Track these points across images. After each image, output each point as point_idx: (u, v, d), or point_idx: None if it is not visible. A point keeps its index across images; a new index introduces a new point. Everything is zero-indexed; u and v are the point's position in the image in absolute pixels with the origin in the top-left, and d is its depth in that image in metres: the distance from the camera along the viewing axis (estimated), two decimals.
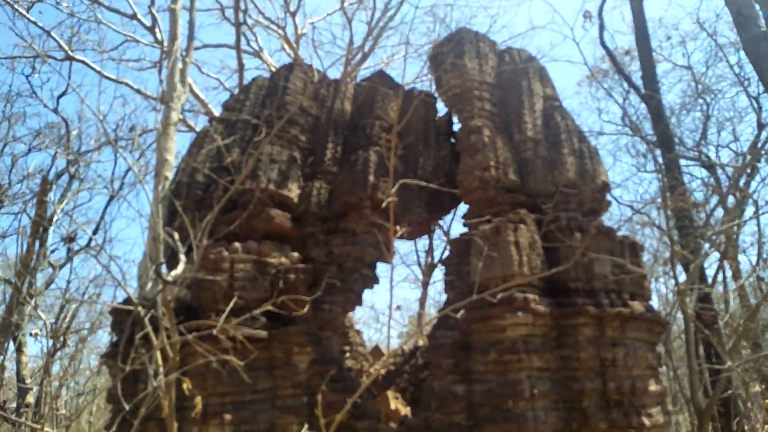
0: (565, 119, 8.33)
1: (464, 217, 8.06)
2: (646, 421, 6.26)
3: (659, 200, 10.78)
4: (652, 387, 6.67)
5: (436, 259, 20.99)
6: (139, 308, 5.04)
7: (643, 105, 13.89)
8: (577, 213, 7.34)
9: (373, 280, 7.84)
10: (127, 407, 4.32)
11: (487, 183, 7.71)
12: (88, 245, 17.06)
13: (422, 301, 20.34)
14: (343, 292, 7.43)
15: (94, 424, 16.21)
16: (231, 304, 4.58)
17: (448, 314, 7.15)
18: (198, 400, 4.49)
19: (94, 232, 16.15)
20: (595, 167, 7.91)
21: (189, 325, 5.82)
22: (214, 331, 3.86)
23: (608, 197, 8.17)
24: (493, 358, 6.44)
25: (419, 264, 21.25)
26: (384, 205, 3.35)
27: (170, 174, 8.14)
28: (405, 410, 8.88)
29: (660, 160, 11.44)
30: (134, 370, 7.08)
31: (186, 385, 4.32)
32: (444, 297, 8.19)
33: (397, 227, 3.67)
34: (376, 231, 7.92)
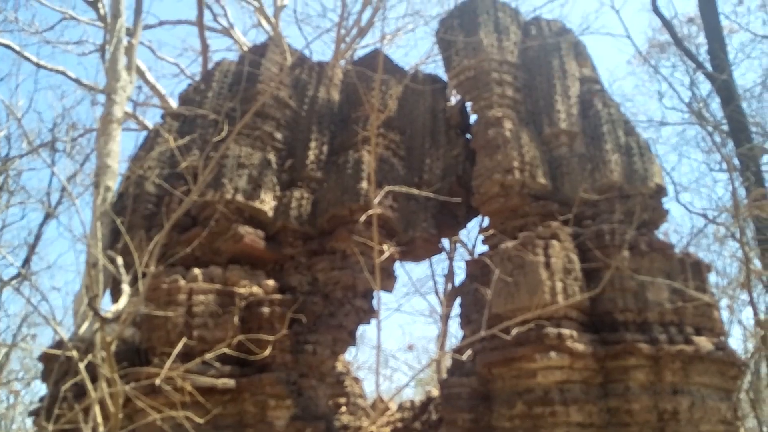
0: (607, 107, 8.35)
1: (482, 231, 8.07)
2: None
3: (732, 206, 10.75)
4: None
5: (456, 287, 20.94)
6: (73, 353, 5.07)
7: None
8: (625, 225, 7.32)
9: (369, 314, 7.85)
10: None
11: (509, 189, 7.72)
12: (17, 276, 17.17)
13: (441, 339, 20.27)
14: (332, 330, 7.43)
15: None
16: (179, 345, 4.59)
17: (463, 358, 7.14)
18: None
19: (25, 261, 16.27)
20: (647, 166, 7.91)
21: (135, 372, 5.86)
22: (158, 381, 3.87)
23: (668, 203, 8.17)
24: (521, 411, 6.40)
25: (437, 293, 21.24)
26: (363, 218, 3.36)
27: (113, 184, 8.23)
28: None
29: (731, 155, 11.42)
30: (70, 431, 7.10)
31: None
32: (461, 334, 8.18)
33: (384, 246, 3.66)
34: (368, 252, 7.94)
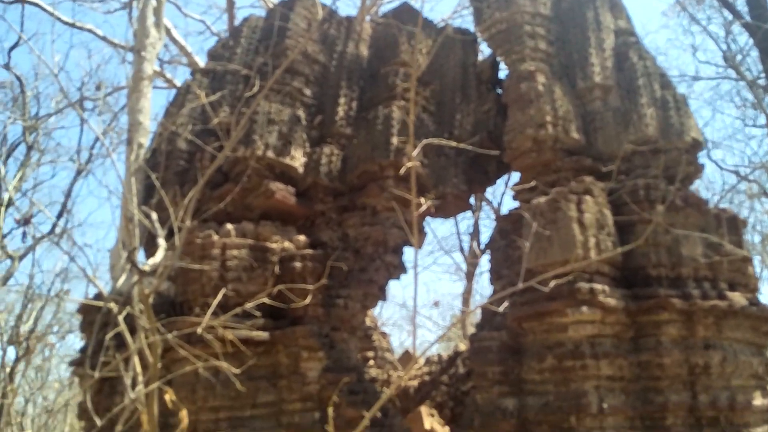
0: (643, 59, 8.16)
1: (514, 187, 8.02)
2: None
3: None
4: (758, 401, 6.61)
5: (483, 244, 20.98)
6: (112, 305, 5.20)
7: (751, 40, 13.46)
8: (660, 180, 7.22)
9: (399, 269, 7.90)
10: (99, 423, 4.47)
11: (542, 144, 7.63)
12: (51, 231, 17.55)
13: (466, 296, 20.40)
14: (362, 284, 7.51)
15: None
16: (219, 297, 4.67)
17: (494, 312, 7.18)
18: (183, 414, 4.62)
19: (59, 215, 16.58)
20: (683, 120, 7.74)
21: (172, 324, 5.99)
22: (199, 330, 3.96)
23: (701, 159, 8.01)
24: (551, 364, 6.45)
25: (461, 250, 21.26)
26: (403, 170, 3.35)
27: (146, 140, 8.30)
28: (443, 430, 9.00)
29: None
30: (109, 379, 7.34)
31: (169, 397, 4.46)
32: (491, 289, 8.21)
33: (422, 200, 3.66)
34: (402, 207, 7.94)
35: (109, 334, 5.43)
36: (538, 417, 6.43)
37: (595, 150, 7.78)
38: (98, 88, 14.56)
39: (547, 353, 6.50)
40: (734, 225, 7.23)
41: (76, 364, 7.51)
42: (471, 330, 18.16)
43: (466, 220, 19.73)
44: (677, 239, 6.76)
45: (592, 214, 6.74)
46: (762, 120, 16.12)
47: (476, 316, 22.99)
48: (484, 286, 28.89)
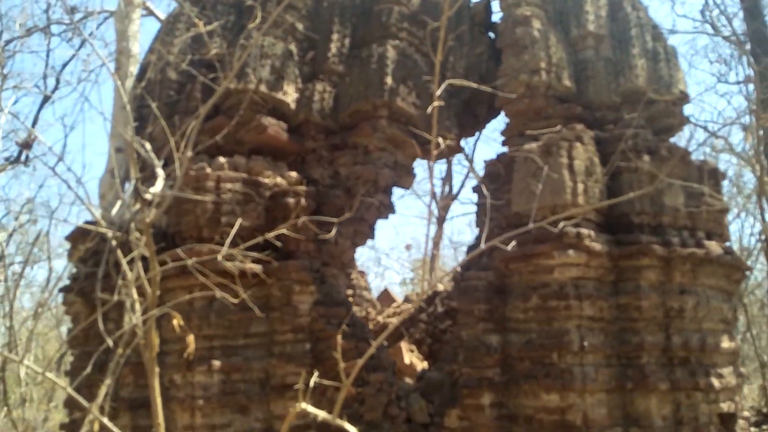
0: (636, 10, 8.22)
1: (504, 132, 8.11)
2: (716, 382, 6.61)
3: (745, 118, 10.78)
4: (725, 344, 7.00)
5: (455, 189, 21.22)
6: (109, 232, 5.20)
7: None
8: (647, 130, 7.39)
9: (388, 209, 7.99)
10: (111, 343, 4.53)
11: (535, 90, 7.70)
12: (17, 159, 17.07)
13: (436, 240, 20.70)
14: (353, 222, 7.58)
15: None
16: (234, 230, 4.72)
17: (481, 253, 7.36)
18: (191, 338, 4.73)
19: (24, 145, 16.11)
20: (672, 73, 7.89)
21: (169, 254, 6.02)
22: (219, 257, 4.02)
23: (689, 111, 8.20)
24: (536, 304, 6.70)
25: (433, 195, 21.44)
26: (430, 109, 3.40)
27: (134, 69, 8.10)
28: (421, 365, 9.30)
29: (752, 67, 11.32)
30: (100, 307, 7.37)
31: (177, 322, 4.56)
32: (476, 232, 8.36)
33: (439, 139, 3.73)
34: (393, 148, 7.99)
35: (104, 262, 5.47)
36: (520, 353, 6.72)
37: (586, 98, 7.88)
38: (71, 11, 13.93)
39: (532, 293, 6.74)
40: (715, 177, 7.47)
41: (67, 291, 7.51)
42: (439, 274, 18.54)
43: (438, 165, 19.81)
44: (660, 189, 6.96)
45: (582, 161, 6.90)
46: (734, 77, 16.39)
47: (445, 260, 23.36)
48: (453, 231, 29.30)
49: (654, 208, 7.04)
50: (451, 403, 7.14)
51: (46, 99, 17.74)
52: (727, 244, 7.66)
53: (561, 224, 6.46)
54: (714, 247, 7.05)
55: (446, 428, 7.06)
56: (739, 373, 7.27)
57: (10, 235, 18.04)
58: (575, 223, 6.63)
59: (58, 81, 17.60)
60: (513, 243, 6.94)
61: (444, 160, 19.63)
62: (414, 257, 24.90)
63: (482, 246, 3.73)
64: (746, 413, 7.70)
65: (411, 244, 27.92)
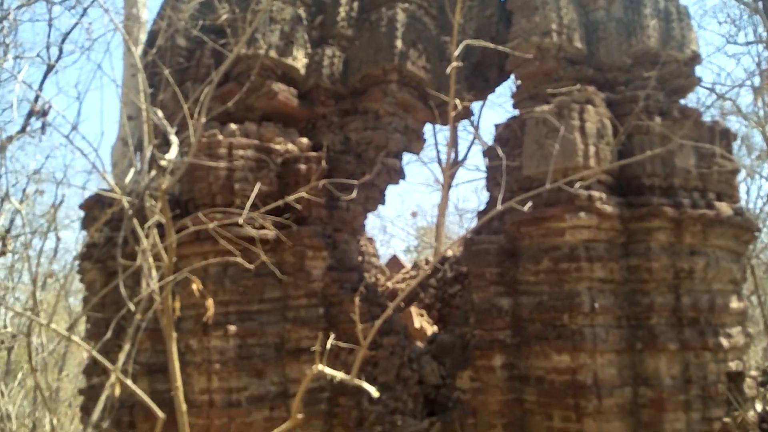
0: None
1: (515, 95, 8.07)
2: (725, 342, 6.69)
3: (755, 79, 10.69)
4: (734, 304, 7.06)
5: (460, 155, 21.14)
6: (125, 199, 5.25)
7: None
8: (659, 92, 7.35)
9: (399, 174, 8.01)
10: (132, 308, 4.61)
11: (546, 52, 7.65)
12: (23, 129, 17.08)
13: (442, 208, 20.72)
14: (364, 188, 7.60)
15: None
16: (253, 195, 4.76)
17: (492, 217, 7.40)
18: (210, 303, 4.80)
19: (41, 113, 16.08)
20: (684, 33, 7.80)
21: (188, 219, 6.09)
22: (240, 220, 4.06)
23: (697, 73, 8.13)
24: (547, 266, 6.76)
25: (439, 161, 21.40)
26: (449, 70, 3.39)
27: (143, 35, 8.07)
28: (431, 329, 9.43)
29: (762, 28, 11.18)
30: (115, 273, 7.46)
31: (197, 285, 4.63)
32: (487, 196, 8.37)
33: (456, 101, 3.73)
34: (403, 112, 7.97)
35: (123, 231, 5.52)
36: (531, 315, 6.80)
37: (597, 60, 7.82)
38: None
39: (544, 256, 6.79)
40: (726, 138, 7.45)
41: (84, 258, 7.60)
42: (446, 241, 18.61)
43: (443, 131, 19.73)
44: (671, 150, 6.96)
45: (593, 124, 6.88)
46: (744, 38, 16.15)
47: (450, 227, 23.40)
48: (458, 199, 29.28)
49: (665, 169, 7.04)
50: (462, 364, 7.27)
51: (50, 68, 17.69)
52: (738, 205, 7.67)
53: (573, 186, 6.56)
54: (724, 208, 7.06)
55: (458, 389, 7.20)
56: (747, 333, 7.35)
57: (20, 205, 18.16)
58: (586, 185, 6.65)
59: (61, 50, 17.51)
60: (528, 205, 7.05)
61: (448, 126, 19.50)
62: (419, 224, 25.00)
63: (499, 207, 3.74)
64: (753, 372, 7.79)
65: (416, 211, 27.95)
